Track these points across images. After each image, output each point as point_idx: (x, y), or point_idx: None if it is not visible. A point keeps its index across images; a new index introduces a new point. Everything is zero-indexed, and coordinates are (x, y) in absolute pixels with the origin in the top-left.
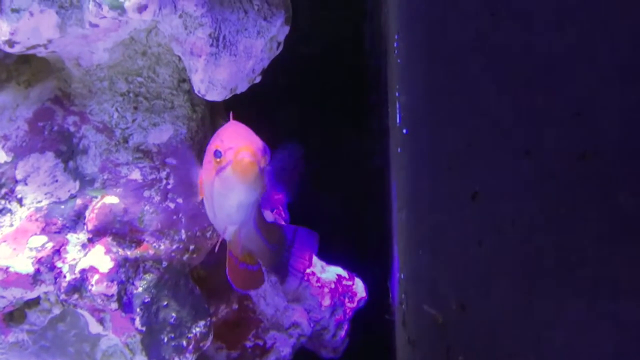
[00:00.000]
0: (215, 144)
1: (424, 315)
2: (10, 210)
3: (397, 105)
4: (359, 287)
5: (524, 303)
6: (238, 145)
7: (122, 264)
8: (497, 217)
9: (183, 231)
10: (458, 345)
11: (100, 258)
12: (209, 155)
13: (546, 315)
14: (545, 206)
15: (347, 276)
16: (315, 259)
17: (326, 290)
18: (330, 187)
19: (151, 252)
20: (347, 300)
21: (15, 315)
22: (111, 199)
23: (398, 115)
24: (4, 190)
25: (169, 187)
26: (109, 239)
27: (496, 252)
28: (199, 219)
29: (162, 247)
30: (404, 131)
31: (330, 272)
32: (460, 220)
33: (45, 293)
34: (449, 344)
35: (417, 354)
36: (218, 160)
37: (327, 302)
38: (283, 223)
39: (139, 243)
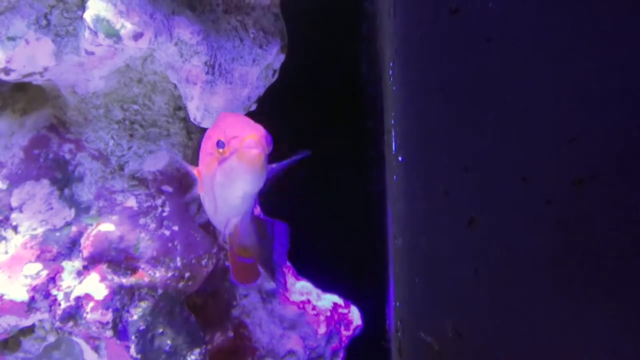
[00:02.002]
0: (216, 134)
1: (420, 342)
2: (5, 238)
3: (393, 133)
4: (355, 315)
5: (520, 331)
6: (243, 134)
7: (117, 291)
8: (493, 244)
9: (178, 259)
10: None
11: (95, 285)
12: (208, 147)
13: (541, 343)
14: (541, 232)
15: (343, 304)
16: (310, 286)
17: (322, 318)
18: (326, 214)
19: (146, 279)
20: (342, 328)
21: (10, 343)
22: (107, 227)
23: (394, 143)
24: None
25: (165, 214)
26: (104, 267)
27: (492, 279)
28: (195, 247)
29: (158, 274)
30: (400, 159)
31: (326, 300)
32: (456, 247)
33: (40, 321)
34: None
35: None
36: (221, 150)
37: (322, 329)
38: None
39: (134, 270)
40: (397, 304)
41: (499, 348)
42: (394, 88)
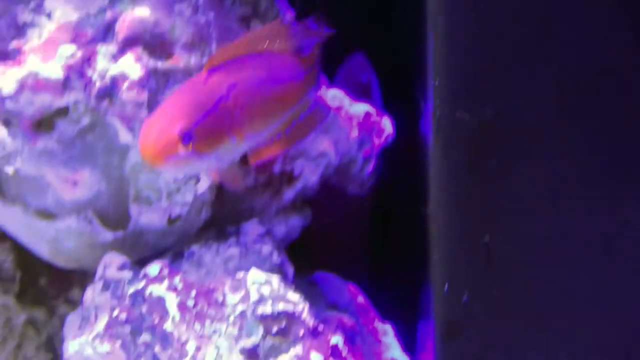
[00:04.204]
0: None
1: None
2: (39, 24)
3: None
4: (387, 124)
5: None
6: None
7: (152, 73)
8: None
9: (214, 45)
10: (492, 145)
11: (131, 66)
12: None
13: None
14: None
15: (375, 113)
16: (343, 94)
17: (354, 123)
18: None
19: (181, 64)
20: (374, 135)
21: (44, 124)
22: (142, 11)
23: None
24: (32, 4)
25: (200, 1)
26: (139, 49)
27: None
28: (230, 34)
29: (193, 60)
30: None
31: (359, 107)
32: None
33: (75, 102)
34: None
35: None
36: None
37: (355, 133)
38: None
39: (169, 55)
40: (436, 82)
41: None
42: None
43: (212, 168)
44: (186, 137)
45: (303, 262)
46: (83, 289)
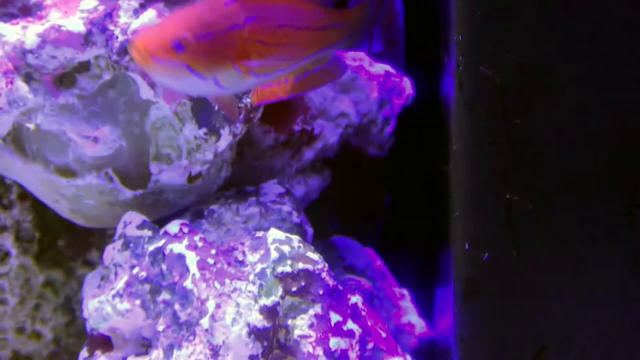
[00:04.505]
0: None
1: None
2: None
3: None
4: (407, 84)
5: None
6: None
7: None
8: None
9: None
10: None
11: (153, 20)
12: None
13: None
14: None
15: (395, 72)
16: (363, 54)
17: (374, 83)
18: None
19: None
20: (394, 96)
21: (65, 79)
22: None
23: None
24: None
25: None
26: (160, 5)
27: None
28: None
29: None
30: None
31: (379, 67)
32: None
33: (96, 58)
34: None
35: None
36: None
37: (375, 94)
38: None
39: None
40: (459, 37)
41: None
42: None
43: (213, 93)
44: (179, 46)
45: (321, 223)
46: (101, 251)
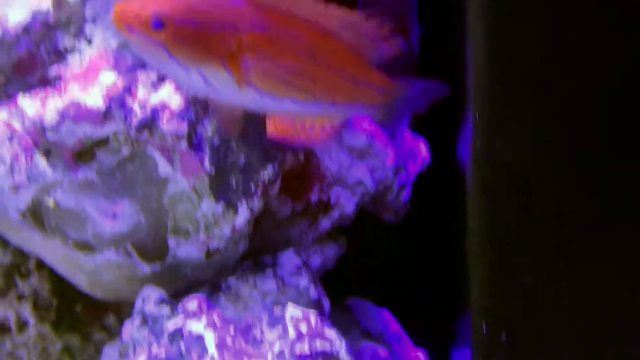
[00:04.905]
0: None
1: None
2: (79, 50)
3: None
4: (422, 149)
5: None
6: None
7: (192, 102)
8: None
9: None
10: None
11: (171, 95)
12: None
13: None
14: None
15: (411, 137)
16: None
17: (390, 148)
18: None
19: None
20: (410, 161)
21: (84, 154)
22: None
23: None
24: (73, 29)
25: None
26: None
27: None
28: None
29: None
30: None
31: None
32: None
33: (115, 133)
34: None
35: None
36: None
37: (391, 160)
38: None
39: None
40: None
41: None
42: None
43: (202, 90)
44: (158, 23)
45: (337, 287)
46: (118, 315)
